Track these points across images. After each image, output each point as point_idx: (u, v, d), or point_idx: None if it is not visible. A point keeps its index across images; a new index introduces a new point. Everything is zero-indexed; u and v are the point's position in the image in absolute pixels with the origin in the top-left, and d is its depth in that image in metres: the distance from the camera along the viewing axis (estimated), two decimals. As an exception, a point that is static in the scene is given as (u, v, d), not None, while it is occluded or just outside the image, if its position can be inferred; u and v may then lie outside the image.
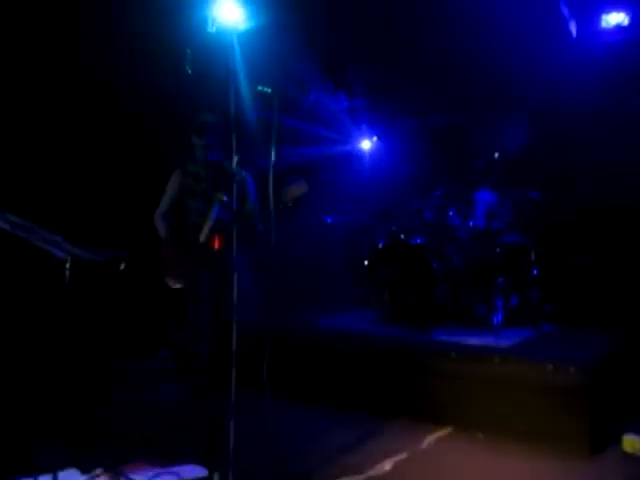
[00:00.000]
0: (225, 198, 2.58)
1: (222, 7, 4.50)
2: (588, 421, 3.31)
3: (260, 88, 2.90)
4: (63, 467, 2.67)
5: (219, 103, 3.75)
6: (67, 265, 2.96)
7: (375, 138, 6.63)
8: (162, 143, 5.10)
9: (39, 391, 3.70)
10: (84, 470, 2.83)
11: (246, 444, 2.62)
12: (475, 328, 4.60)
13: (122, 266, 3.56)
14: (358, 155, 6.60)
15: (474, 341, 4.27)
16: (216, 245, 2.56)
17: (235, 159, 2.56)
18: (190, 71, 5.33)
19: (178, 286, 3.35)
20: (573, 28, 5.33)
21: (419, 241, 5.22)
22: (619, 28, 5.26)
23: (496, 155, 5.21)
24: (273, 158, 2.87)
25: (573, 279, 5.33)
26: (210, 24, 4.73)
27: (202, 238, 2.33)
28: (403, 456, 3.28)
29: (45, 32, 4.63)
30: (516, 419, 3.52)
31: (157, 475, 2.78)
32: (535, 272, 4.84)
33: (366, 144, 6.73)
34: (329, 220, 5.90)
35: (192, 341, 3.60)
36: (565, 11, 5.11)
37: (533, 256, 4.83)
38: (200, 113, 3.80)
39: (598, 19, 5.33)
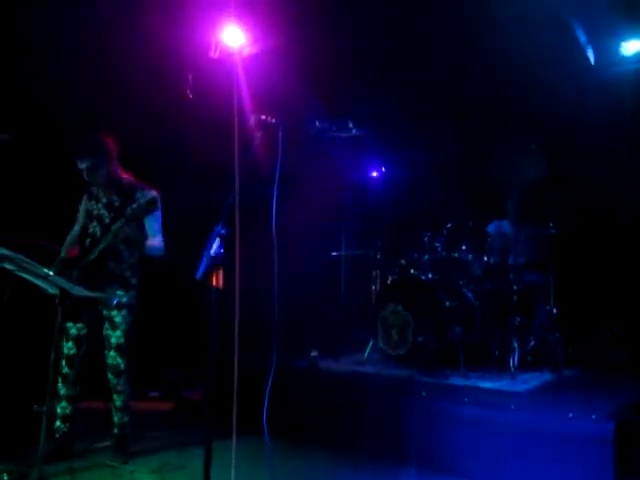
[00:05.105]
0: (223, 231, 2.61)
1: (225, 32, 4.65)
2: (612, 475, 3.26)
3: (264, 117, 2.96)
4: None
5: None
6: (57, 300, 3.01)
7: (383, 168, 6.70)
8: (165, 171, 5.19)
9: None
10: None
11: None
12: (490, 371, 4.57)
13: (114, 302, 3.62)
14: (365, 185, 6.66)
15: (489, 385, 4.23)
16: (215, 282, 2.58)
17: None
18: (191, 96, 5.45)
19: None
20: (591, 55, 5.44)
21: (430, 276, 5.22)
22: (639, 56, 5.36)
23: (513, 185, 5.25)
24: (276, 187, 2.92)
25: (595, 319, 5.31)
26: (213, 49, 4.87)
27: (199, 274, 2.37)
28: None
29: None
30: (535, 471, 3.47)
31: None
32: (555, 312, 4.83)
33: (374, 174, 6.79)
34: (334, 254, 5.91)
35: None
36: (582, 38, 5.22)
37: (552, 294, 4.82)
38: (79, 134, 3.88)
39: (617, 46, 5.43)
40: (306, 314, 5.83)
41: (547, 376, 4.52)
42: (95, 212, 3.92)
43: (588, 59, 5.40)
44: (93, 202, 3.93)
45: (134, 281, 3.88)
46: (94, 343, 3.87)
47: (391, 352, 4.96)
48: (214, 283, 2.57)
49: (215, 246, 2.60)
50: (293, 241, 4.49)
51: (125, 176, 3.93)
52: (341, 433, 4.15)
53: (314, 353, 5.02)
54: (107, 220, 3.84)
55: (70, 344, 3.79)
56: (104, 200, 3.90)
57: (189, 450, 3.98)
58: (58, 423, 3.79)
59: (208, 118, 5.12)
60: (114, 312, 3.77)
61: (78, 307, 3.68)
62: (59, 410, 3.79)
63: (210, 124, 4.88)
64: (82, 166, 3.75)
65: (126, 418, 3.85)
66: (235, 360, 2.77)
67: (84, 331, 3.82)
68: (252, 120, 2.97)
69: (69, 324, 3.79)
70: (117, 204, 3.84)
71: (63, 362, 3.78)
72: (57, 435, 3.78)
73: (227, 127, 3.27)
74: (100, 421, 4.06)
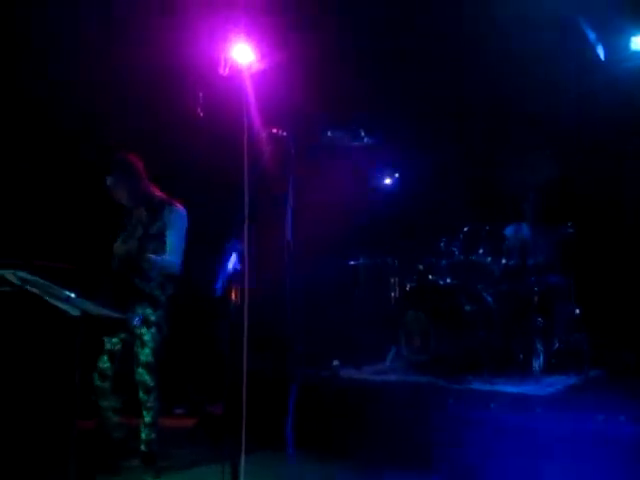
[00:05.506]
0: (239, 247, 2.61)
1: (235, 49, 4.69)
2: (645, 477, 3.21)
3: (275, 131, 2.98)
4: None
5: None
6: (79, 322, 3.03)
7: (397, 174, 6.70)
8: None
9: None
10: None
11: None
12: (513, 376, 4.51)
13: (137, 321, 3.64)
14: (380, 192, 6.65)
15: (514, 390, 4.18)
16: (234, 297, 2.59)
17: None
18: (202, 114, 5.50)
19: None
20: (601, 52, 5.40)
21: (449, 281, 5.19)
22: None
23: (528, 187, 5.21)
24: (290, 199, 2.93)
25: (621, 320, 5.22)
26: (222, 66, 4.91)
27: (218, 291, 2.38)
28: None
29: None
30: (564, 475, 3.42)
31: None
32: (578, 312, 4.77)
33: (388, 180, 6.79)
34: (352, 262, 5.90)
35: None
36: (591, 36, 5.19)
37: (574, 295, 4.77)
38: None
39: (627, 42, 5.40)
40: (326, 324, 5.82)
41: (573, 379, 4.46)
42: (127, 230, 3.96)
43: (598, 56, 5.36)
44: (127, 220, 3.98)
45: (163, 299, 3.86)
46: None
47: (413, 359, 4.93)
48: (234, 299, 2.58)
49: (233, 262, 2.62)
50: (311, 251, 4.50)
51: (158, 194, 3.96)
52: (364, 443, 4.11)
53: (335, 362, 5.00)
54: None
55: (105, 358, 3.83)
56: (134, 218, 3.94)
57: (214, 466, 3.97)
58: (116, 433, 3.88)
59: (218, 133, 5.15)
60: (143, 330, 3.77)
61: (114, 323, 3.70)
62: (113, 420, 3.86)
63: (220, 139, 4.91)
64: (107, 184, 3.84)
65: (153, 435, 3.85)
66: (244, 372, 2.75)
67: (118, 346, 3.84)
68: (263, 134, 3.00)
69: (105, 338, 3.84)
70: (145, 221, 3.88)
71: (96, 375, 3.82)
72: (116, 438, 3.87)
73: (237, 142, 3.28)
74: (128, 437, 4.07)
